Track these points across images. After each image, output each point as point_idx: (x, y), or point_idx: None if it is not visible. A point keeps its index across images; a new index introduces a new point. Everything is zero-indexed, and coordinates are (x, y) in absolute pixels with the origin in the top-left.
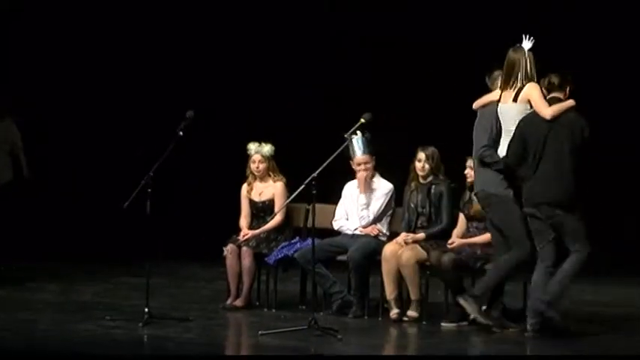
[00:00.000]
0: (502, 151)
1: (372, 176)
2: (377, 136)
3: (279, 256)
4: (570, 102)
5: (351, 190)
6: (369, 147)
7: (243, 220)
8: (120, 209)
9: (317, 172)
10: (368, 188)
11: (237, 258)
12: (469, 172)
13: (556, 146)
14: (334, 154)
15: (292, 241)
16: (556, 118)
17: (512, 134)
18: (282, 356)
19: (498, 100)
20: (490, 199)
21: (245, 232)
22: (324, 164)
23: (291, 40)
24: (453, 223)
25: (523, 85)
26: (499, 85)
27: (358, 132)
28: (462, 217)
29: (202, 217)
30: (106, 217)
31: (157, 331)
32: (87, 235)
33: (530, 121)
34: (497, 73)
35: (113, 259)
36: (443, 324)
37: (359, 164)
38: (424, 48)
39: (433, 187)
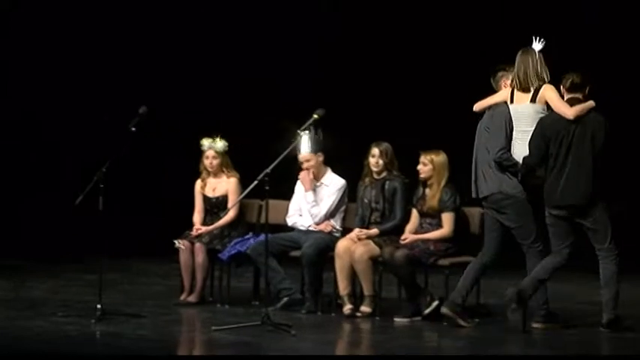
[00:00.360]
0: (517, 152)
1: (323, 173)
2: (331, 131)
3: (232, 252)
4: (591, 102)
5: (300, 187)
6: (316, 145)
7: (197, 216)
8: (72, 205)
9: (270, 167)
10: (312, 185)
11: (190, 254)
12: (422, 168)
13: (581, 147)
14: (287, 150)
15: (245, 237)
16: (579, 119)
17: (528, 135)
18: (235, 356)
19: (506, 101)
20: (508, 201)
21: (198, 228)
22: (277, 160)
23: (242, 33)
24: (406, 218)
25: (539, 87)
26: (503, 85)
27: (310, 129)
28: (414, 212)
29: (155, 212)
30: (58, 214)
31: (109, 328)
32: (39, 231)
33: (552, 122)
34: (500, 74)
35: (65, 256)
36: (396, 319)
37: (301, 162)
38: (379, 42)
39: (387, 182)
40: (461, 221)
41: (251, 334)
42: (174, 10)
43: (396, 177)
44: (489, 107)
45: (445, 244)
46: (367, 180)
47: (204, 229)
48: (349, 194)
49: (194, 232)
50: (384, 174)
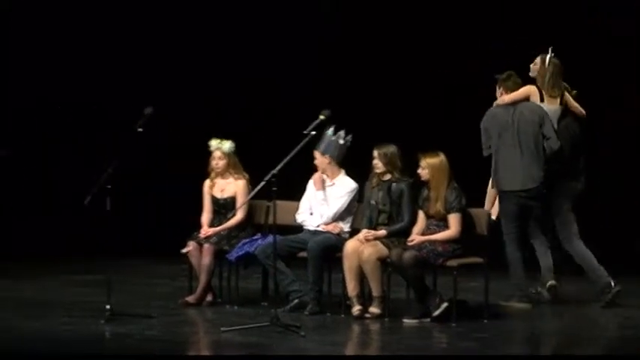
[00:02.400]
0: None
1: (336, 174)
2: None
3: (240, 252)
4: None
5: (312, 185)
6: (332, 149)
7: (205, 216)
8: (81, 206)
9: (277, 168)
10: (322, 185)
11: (200, 254)
12: (421, 172)
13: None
14: (294, 150)
15: (254, 238)
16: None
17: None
18: (244, 356)
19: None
20: (542, 191)
21: (206, 230)
22: (284, 161)
23: (241, 33)
24: (414, 220)
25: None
26: (512, 86)
27: (334, 131)
28: (421, 214)
29: (163, 213)
30: (67, 214)
31: (119, 328)
32: (48, 232)
33: (574, 124)
34: (508, 73)
35: (74, 256)
36: (405, 320)
37: (314, 158)
38: (379, 42)
39: (393, 185)
40: (467, 222)
41: (260, 335)
42: (176, 10)
43: (403, 179)
44: (513, 103)
45: (453, 245)
46: (374, 181)
47: (212, 230)
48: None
49: (202, 235)
50: (389, 176)
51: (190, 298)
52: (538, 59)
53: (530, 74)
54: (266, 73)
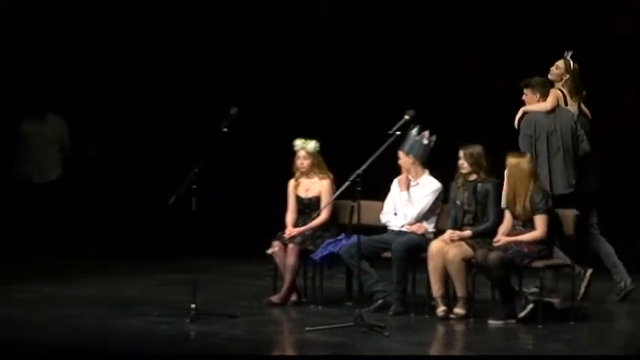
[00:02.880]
0: None
1: (420, 174)
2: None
3: (325, 252)
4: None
5: (396, 185)
6: (416, 149)
7: (290, 216)
8: (165, 205)
9: (361, 168)
10: (407, 186)
11: (284, 254)
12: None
13: None
14: (379, 151)
15: (338, 238)
16: None
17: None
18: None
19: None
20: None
21: (290, 230)
22: (369, 161)
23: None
24: (499, 221)
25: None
26: (545, 91)
27: (418, 131)
28: (507, 214)
29: (247, 212)
30: (152, 214)
31: (203, 328)
32: (134, 231)
33: (587, 125)
34: (542, 80)
35: (158, 256)
36: (490, 321)
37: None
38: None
39: (479, 185)
40: (554, 223)
41: (344, 335)
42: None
43: (489, 179)
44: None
45: (538, 246)
46: (460, 181)
47: (296, 230)
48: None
49: (287, 235)
50: (475, 176)
51: (275, 298)
52: (561, 63)
53: (551, 77)
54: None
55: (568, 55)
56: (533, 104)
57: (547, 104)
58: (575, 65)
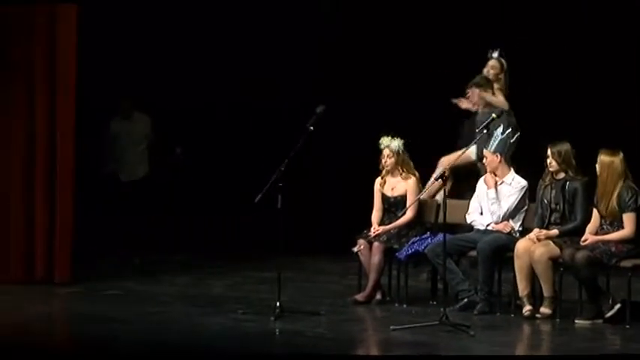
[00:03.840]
0: None
1: (505, 172)
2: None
3: (410, 251)
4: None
5: (483, 184)
6: (503, 148)
7: (375, 214)
8: (251, 203)
9: (447, 167)
10: (495, 184)
11: (369, 253)
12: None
13: None
14: (465, 149)
15: (423, 237)
16: None
17: None
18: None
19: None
20: None
21: (376, 228)
22: (456, 159)
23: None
24: (587, 220)
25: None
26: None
27: (501, 128)
28: (595, 213)
29: (334, 210)
30: (239, 212)
31: (288, 325)
32: (220, 229)
33: None
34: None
35: (243, 253)
36: (577, 321)
37: (483, 157)
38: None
39: (567, 183)
40: None
41: (429, 334)
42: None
43: (577, 177)
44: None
45: (627, 246)
46: (547, 180)
47: (381, 229)
48: (529, 195)
49: (372, 233)
50: (563, 174)
51: (360, 297)
52: (495, 63)
53: (490, 76)
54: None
55: (495, 53)
56: (494, 99)
57: (505, 102)
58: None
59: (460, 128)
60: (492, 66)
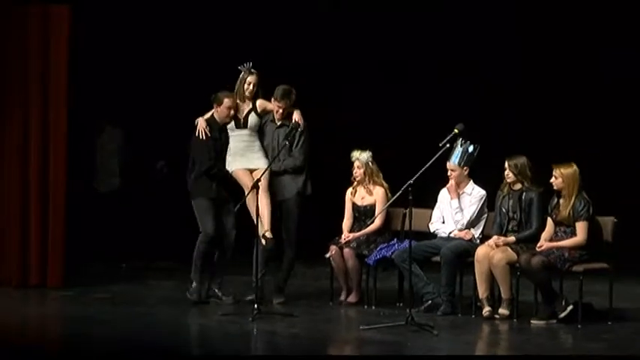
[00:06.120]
0: None
1: (466, 183)
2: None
3: (378, 256)
4: None
5: (445, 194)
6: (466, 161)
7: (346, 222)
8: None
9: (413, 178)
10: (457, 194)
11: (341, 258)
12: (554, 181)
13: None
14: (430, 162)
15: (390, 243)
16: None
17: None
18: (382, 356)
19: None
20: None
21: (346, 235)
22: (420, 171)
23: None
24: (542, 227)
25: None
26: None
27: (463, 141)
28: (550, 221)
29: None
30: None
31: (265, 326)
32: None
33: None
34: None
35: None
36: (533, 321)
37: (448, 170)
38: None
39: (524, 193)
40: (594, 229)
41: (396, 334)
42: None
43: (533, 188)
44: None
45: (579, 252)
46: (505, 190)
47: (352, 235)
48: (488, 204)
49: (343, 240)
50: (519, 185)
51: (351, 299)
52: (254, 77)
53: (248, 92)
54: None
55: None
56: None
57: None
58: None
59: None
60: (250, 81)
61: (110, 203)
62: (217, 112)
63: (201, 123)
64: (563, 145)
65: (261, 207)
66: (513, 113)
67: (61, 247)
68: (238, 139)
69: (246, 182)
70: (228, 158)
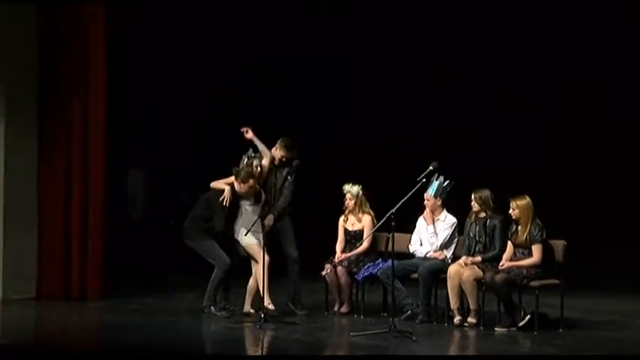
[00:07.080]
0: None
1: (440, 212)
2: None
3: (366, 274)
4: None
5: (422, 221)
6: (441, 193)
7: (339, 245)
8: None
9: (395, 208)
10: (432, 221)
11: (335, 274)
12: (512, 212)
13: None
14: (409, 193)
15: (376, 262)
16: None
17: None
18: (369, 356)
19: None
20: None
21: (339, 256)
22: (401, 202)
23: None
24: (504, 249)
25: None
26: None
27: (440, 177)
28: (510, 244)
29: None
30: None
31: (271, 332)
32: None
33: None
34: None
35: (237, 275)
36: (496, 329)
37: (425, 200)
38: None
39: (488, 220)
40: (547, 251)
41: (380, 339)
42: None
43: (495, 216)
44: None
45: (535, 270)
46: (472, 218)
47: (344, 256)
48: (458, 229)
49: (337, 259)
50: (484, 214)
51: (344, 309)
52: (259, 160)
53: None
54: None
55: (249, 154)
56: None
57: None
58: None
59: None
60: (257, 165)
61: (142, 228)
62: (239, 187)
63: (227, 191)
64: (519, 179)
65: (259, 281)
66: (478, 152)
67: (99, 263)
68: (255, 212)
69: (258, 254)
70: (242, 229)
